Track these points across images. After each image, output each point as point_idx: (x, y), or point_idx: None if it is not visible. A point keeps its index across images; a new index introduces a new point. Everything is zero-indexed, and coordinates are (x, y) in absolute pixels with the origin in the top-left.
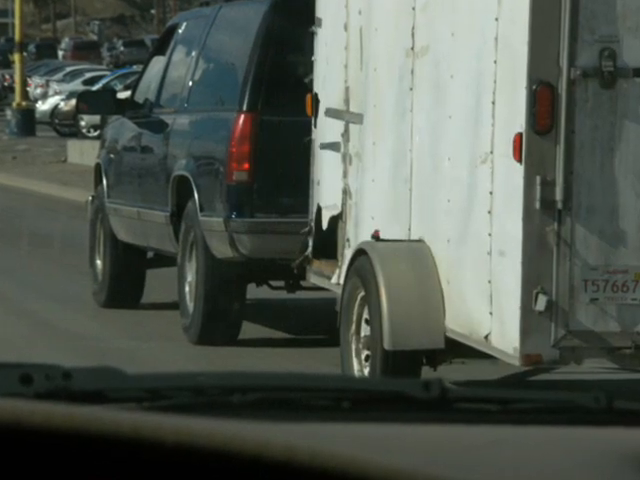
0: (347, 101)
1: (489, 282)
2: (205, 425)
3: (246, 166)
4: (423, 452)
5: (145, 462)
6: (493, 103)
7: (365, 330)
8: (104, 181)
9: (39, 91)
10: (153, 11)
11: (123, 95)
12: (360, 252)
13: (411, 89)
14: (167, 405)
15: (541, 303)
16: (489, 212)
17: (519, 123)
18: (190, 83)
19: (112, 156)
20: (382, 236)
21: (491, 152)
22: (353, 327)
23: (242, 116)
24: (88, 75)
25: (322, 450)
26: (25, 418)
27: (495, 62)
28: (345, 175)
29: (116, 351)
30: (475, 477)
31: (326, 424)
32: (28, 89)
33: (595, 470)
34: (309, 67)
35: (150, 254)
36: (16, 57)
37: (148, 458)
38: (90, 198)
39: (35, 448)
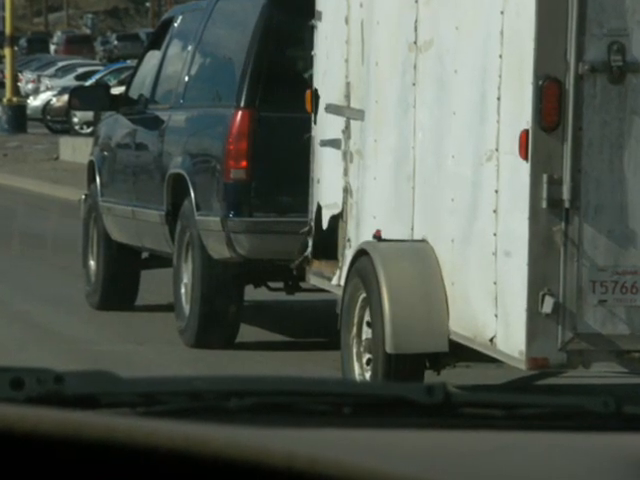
0: (348, 97)
1: (494, 283)
2: (202, 431)
3: (244, 164)
4: (426, 458)
5: (140, 469)
6: (498, 99)
7: (366, 333)
8: (97, 179)
9: (30, 86)
10: (148, 4)
11: (117, 91)
12: (361, 252)
13: (414, 84)
14: (162, 410)
15: (548, 305)
16: (494, 211)
17: (525, 120)
18: (186, 78)
19: (106, 154)
20: (384, 236)
21: (496, 149)
22: (354, 330)
23: (240, 112)
24: (81, 70)
25: (322, 457)
26: (16, 424)
27: (500, 57)
28: (346, 173)
29: (109, 354)
30: None
31: (326, 430)
32: (19, 84)
33: (603, 477)
34: (309, 62)
35: (145, 254)
36: (7, 51)
37: (143, 464)
38: (83, 197)
39: (26, 454)
